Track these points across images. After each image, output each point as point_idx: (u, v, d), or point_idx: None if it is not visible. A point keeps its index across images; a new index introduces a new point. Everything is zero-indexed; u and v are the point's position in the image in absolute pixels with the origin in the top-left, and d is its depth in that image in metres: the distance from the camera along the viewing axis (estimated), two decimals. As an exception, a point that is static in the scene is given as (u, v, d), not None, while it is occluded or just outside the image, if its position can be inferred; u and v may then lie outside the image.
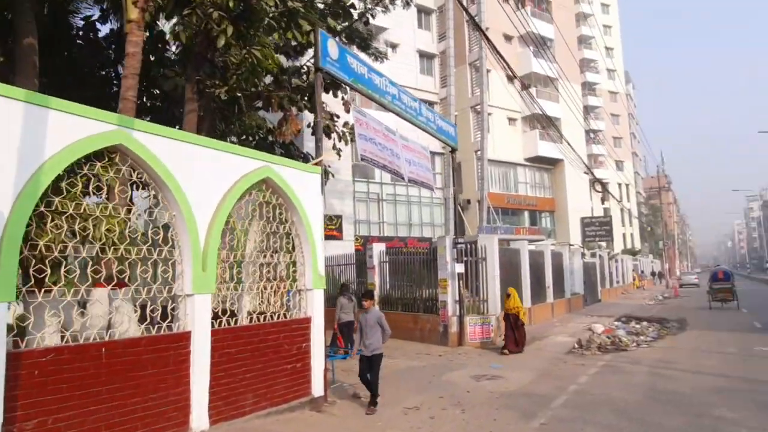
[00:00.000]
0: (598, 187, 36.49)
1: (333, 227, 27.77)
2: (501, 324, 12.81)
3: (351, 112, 10.02)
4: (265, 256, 7.52)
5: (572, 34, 53.39)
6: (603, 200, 50.77)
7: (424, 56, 33.25)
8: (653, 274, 54.59)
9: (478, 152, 33.54)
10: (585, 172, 28.83)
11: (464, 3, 37.04)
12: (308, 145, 21.60)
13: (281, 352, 7.00)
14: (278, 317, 7.26)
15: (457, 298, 13.20)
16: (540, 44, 39.65)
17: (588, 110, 62.19)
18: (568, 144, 28.07)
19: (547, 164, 37.55)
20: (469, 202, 33.60)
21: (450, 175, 31.83)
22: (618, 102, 65.54)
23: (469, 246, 14.15)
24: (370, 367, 7.36)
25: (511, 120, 36.36)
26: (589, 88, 62.70)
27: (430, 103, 33.26)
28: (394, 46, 31.94)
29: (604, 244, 44.16)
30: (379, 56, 20.43)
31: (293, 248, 7.64)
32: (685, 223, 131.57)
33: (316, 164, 8.08)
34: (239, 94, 10.04)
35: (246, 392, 6.46)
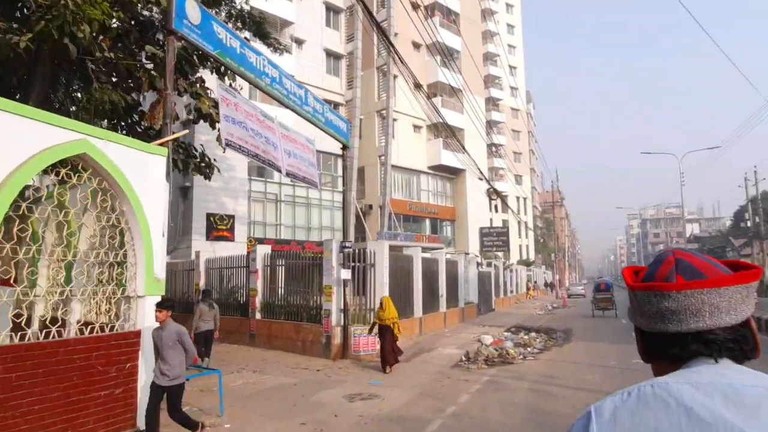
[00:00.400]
0: (495, 197, 37.30)
1: (224, 227, 25.87)
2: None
3: (216, 90, 8.66)
4: (97, 255, 6.07)
5: (479, 49, 54.95)
6: (496, 208, 52.44)
7: (332, 56, 32.28)
8: (546, 284, 57.26)
9: (383, 157, 33.06)
10: (480, 178, 29.13)
11: (374, 6, 36.65)
12: (202, 138, 19.69)
13: (93, 376, 5.54)
14: (109, 329, 5.84)
15: (342, 307, 12.20)
16: (447, 55, 40.17)
17: (491, 125, 64.47)
18: (467, 153, 28.23)
19: (449, 173, 37.89)
20: (371, 207, 32.94)
21: (352, 178, 31.00)
22: (519, 119, 68.55)
23: (358, 251, 13.23)
24: (168, 401, 5.63)
25: (417, 127, 36.30)
26: (493, 103, 65.04)
27: (336, 105, 32.30)
28: (300, 42, 30.65)
29: (501, 254, 45.56)
30: (279, 48, 19.12)
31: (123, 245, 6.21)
32: (575, 237, 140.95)
33: (161, 144, 6.70)
34: (87, 60, 8.34)
35: (34, 429, 4.95)
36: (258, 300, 14.12)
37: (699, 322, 0.88)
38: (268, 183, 27.91)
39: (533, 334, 15.95)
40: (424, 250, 28.57)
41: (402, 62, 17.15)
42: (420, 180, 36.38)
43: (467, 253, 24.97)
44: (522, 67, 71.36)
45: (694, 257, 0.94)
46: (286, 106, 10.03)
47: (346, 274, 12.12)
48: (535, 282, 49.01)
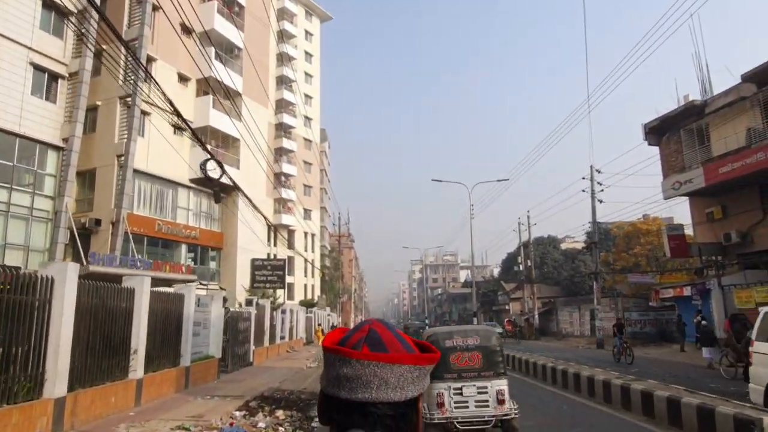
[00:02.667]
0: (273, 226, 31.41)
1: None
2: None
3: None
4: None
5: (270, 62, 49.94)
6: (289, 243, 46.82)
7: (53, 8, 23.36)
8: (333, 327, 52.71)
9: (123, 158, 24.82)
10: (255, 208, 23.31)
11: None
12: None
13: None
14: None
15: None
16: (224, 50, 33.83)
17: (282, 152, 59.32)
18: (223, 170, 21.95)
19: (219, 190, 30.89)
20: (99, 222, 24.12)
21: (67, 179, 22.20)
22: (312, 150, 64.68)
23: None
24: None
25: (179, 128, 28.79)
26: (285, 130, 60.22)
27: (55, 76, 23.32)
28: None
29: (280, 291, 39.56)
30: None
31: None
32: (363, 280, 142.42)
33: None
34: None
35: None
36: None
37: (366, 393, 0.89)
38: None
39: (281, 412, 9.94)
40: (166, 282, 20.86)
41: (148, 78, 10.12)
42: (178, 194, 28.67)
43: (203, 284, 18.27)
44: (318, 99, 68.36)
45: (387, 331, 0.96)
46: None
47: None
48: (319, 324, 43.80)
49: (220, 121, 29.83)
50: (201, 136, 29.99)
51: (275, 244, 56.72)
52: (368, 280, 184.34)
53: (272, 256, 56.62)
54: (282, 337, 26.66)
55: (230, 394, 12.34)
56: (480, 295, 72.25)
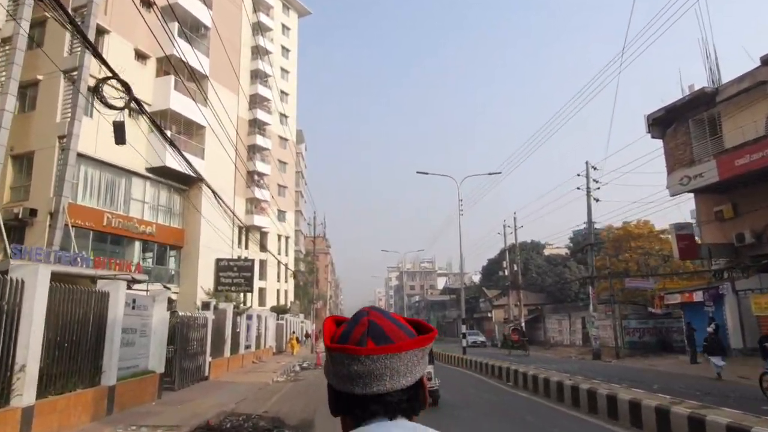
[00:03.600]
0: (244, 225, 28.49)
1: None
2: None
3: None
4: None
5: (243, 49, 47.17)
6: (261, 244, 43.86)
7: (-18, -37, 20.24)
8: (307, 335, 49.73)
9: (65, 140, 21.68)
10: (218, 199, 20.49)
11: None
12: None
13: None
14: None
15: None
16: (189, 27, 30.96)
17: (255, 149, 56.22)
18: (183, 158, 19.11)
19: (179, 182, 27.83)
20: (34, 213, 20.90)
21: (-7, 160, 19.01)
22: (288, 150, 61.67)
23: None
24: None
25: (134, 111, 25.69)
26: (259, 126, 57.14)
27: (-16, 43, 20.11)
28: None
29: (249, 295, 36.48)
30: None
31: None
32: (338, 287, 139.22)
33: None
34: None
35: None
36: None
37: (380, 385, 0.91)
38: None
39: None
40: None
41: None
42: (132, 185, 25.48)
43: (167, 287, 15.43)
44: (294, 97, 65.44)
45: (385, 319, 0.96)
46: None
47: None
48: (294, 332, 40.72)
49: (182, 104, 26.84)
50: (160, 121, 26.96)
51: (246, 247, 53.46)
52: (343, 287, 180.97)
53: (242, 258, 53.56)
54: (247, 347, 23.70)
55: (164, 423, 9.45)
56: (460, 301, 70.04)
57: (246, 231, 51.19)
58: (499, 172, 26.43)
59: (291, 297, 60.66)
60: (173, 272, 27.86)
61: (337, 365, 0.93)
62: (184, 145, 27.40)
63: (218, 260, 28.08)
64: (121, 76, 9.33)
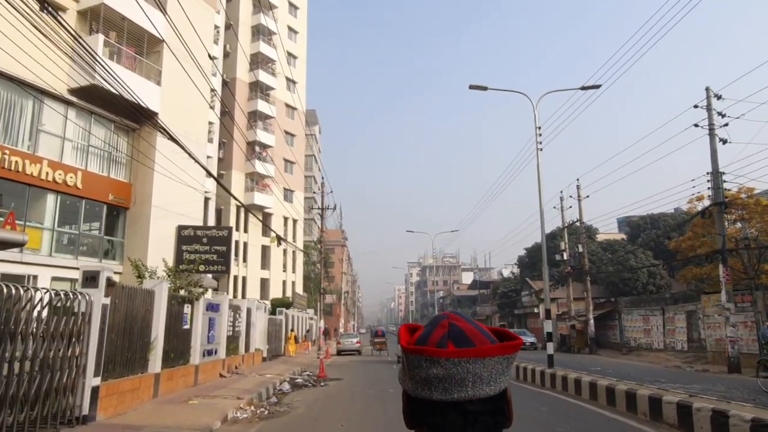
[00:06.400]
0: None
1: None
2: None
3: None
4: None
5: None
6: (239, 221, 35.77)
7: None
8: (308, 331, 41.57)
9: None
10: (178, 141, 12.29)
11: None
12: None
13: None
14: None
15: None
16: None
17: (256, 116, 48.11)
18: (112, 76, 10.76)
19: (124, 116, 19.49)
20: None
21: None
22: (296, 120, 53.41)
23: None
24: None
25: (60, 8, 17.42)
26: (262, 90, 49.01)
27: None
28: None
29: (248, 286, 28.13)
30: None
31: None
32: (356, 283, 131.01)
33: None
34: None
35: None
36: None
37: (461, 392, 0.84)
38: None
39: None
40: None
41: None
42: (43, 111, 17.23)
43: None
44: (303, 61, 57.11)
45: (466, 323, 0.91)
46: None
47: None
48: (292, 330, 32.35)
49: (124, 4, 18.53)
50: (93, 23, 18.73)
51: (246, 230, 45.44)
52: (362, 284, 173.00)
53: (242, 243, 45.53)
54: (209, 352, 15.36)
55: None
56: (497, 296, 60.89)
57: (245, 211, 43.21)
58: (598, 86, 17.64)
59: (299, 289, 52.46)
60: (111, 242, 19.59)
61: (414, 369, 0.87)
62: (129, 62, 19.17)
63: (180, 228, 19.84)
64: None
